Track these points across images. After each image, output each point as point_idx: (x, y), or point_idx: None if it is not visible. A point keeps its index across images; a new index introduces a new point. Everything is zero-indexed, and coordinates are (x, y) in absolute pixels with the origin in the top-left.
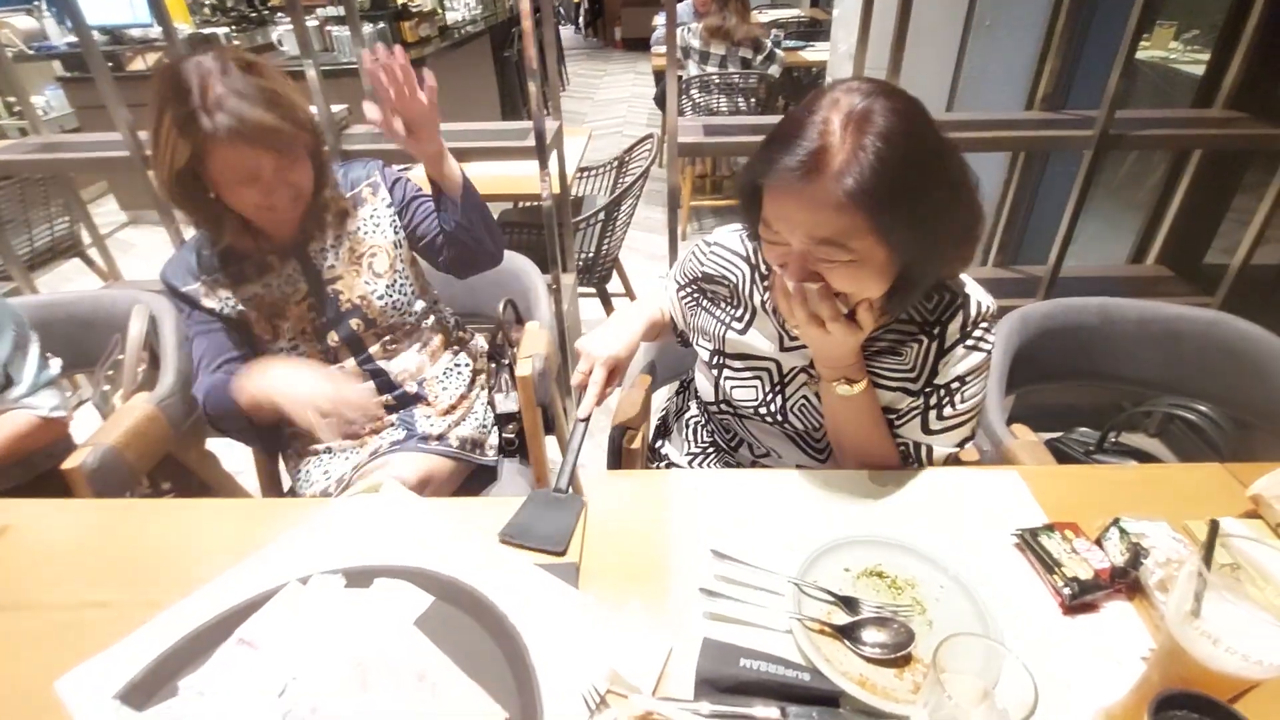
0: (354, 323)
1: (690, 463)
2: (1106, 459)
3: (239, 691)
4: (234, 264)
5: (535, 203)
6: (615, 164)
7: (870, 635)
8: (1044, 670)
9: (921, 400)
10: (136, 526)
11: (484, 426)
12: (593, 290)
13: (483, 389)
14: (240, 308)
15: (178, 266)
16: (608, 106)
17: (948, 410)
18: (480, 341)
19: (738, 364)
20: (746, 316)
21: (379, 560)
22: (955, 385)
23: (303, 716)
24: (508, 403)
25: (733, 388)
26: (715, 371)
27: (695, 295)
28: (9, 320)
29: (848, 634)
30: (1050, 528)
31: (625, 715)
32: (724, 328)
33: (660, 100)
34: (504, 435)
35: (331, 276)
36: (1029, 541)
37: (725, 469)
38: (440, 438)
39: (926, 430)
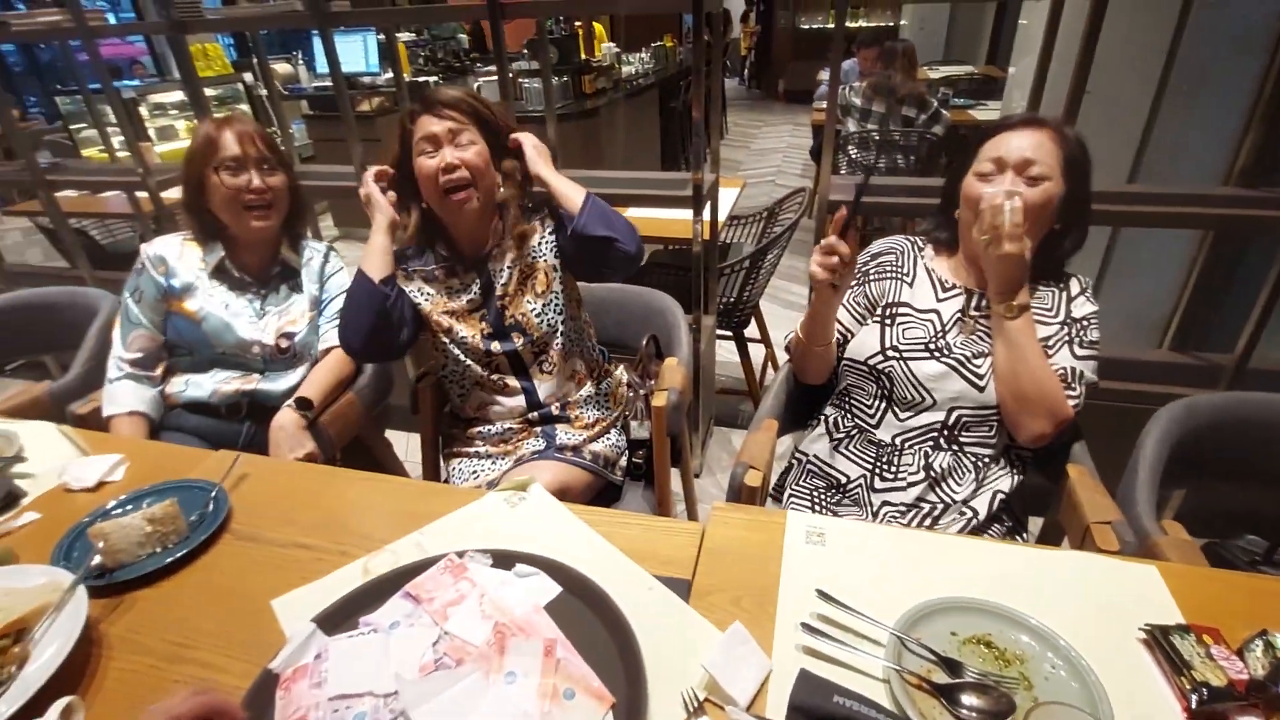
0: (516, 338)
1: (835, 448)
2: (1272, 572)
3: (403, 634)
4: (432, 266)
5: (685, 247)
6: (765, 214)
7: (969, 699)
8: None
9: (1065, 330)
10: (337, 490)
11: (617, 447)
12: (730, 334)
13: (620, 414)
14: (425, 301)
15: (401, 255)
16: (763, 156)
17: (1086, 338)
18: (622, 372)
19: (908, 311)
20: (912, 272)
21: (520, 548)
22: (1084, 323)
23: (450, 665)
24: (641, 430)
25: (905, 329)
26: (886, 322)
27: (861, 279)
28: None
29: (946, 694)
30: (1185, 628)
31: None
32: (897, 283)
33: (816, 154)
34: (633, 460)
35: (503, 293)
36: (1158, 639)
37: (864, 455)
38: (576, 450)
39: (1074, 355)
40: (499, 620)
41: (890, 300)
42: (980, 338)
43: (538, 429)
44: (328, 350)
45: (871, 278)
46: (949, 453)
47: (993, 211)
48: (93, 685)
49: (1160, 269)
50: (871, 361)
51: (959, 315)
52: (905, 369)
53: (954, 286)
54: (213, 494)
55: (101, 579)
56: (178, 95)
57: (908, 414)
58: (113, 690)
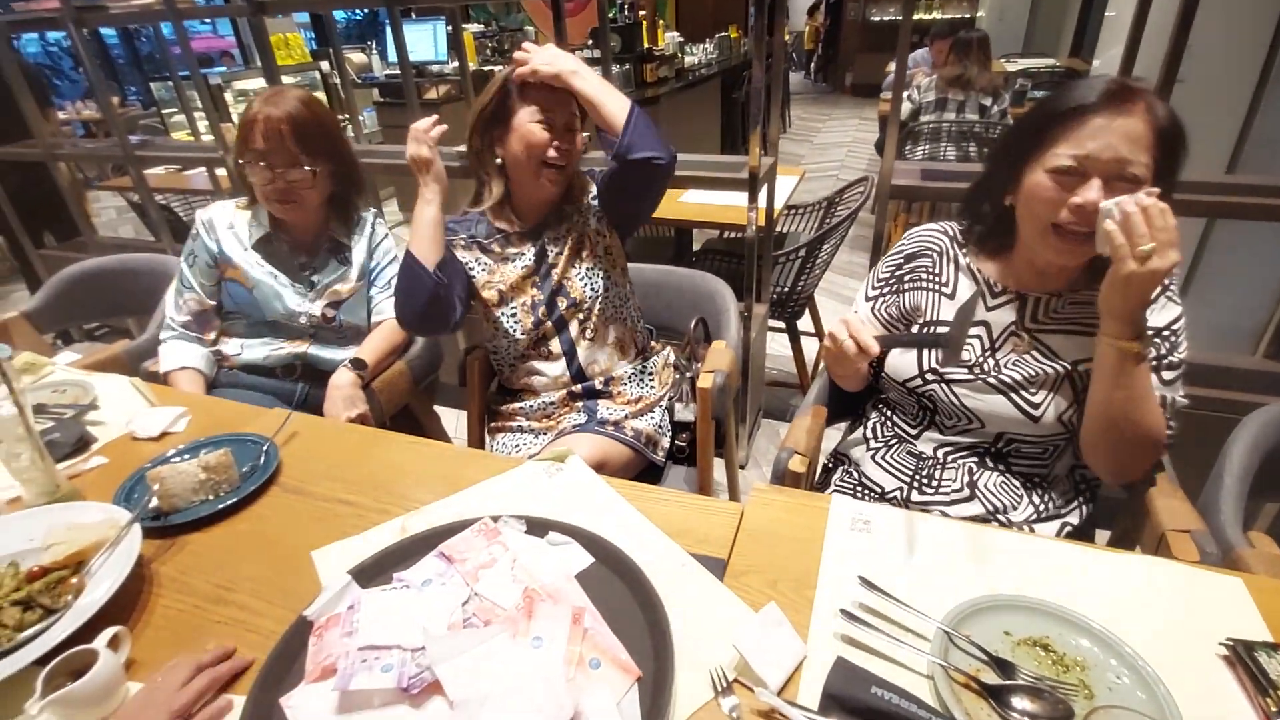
0: (561, 302)
1: (872, 456)
2: None
3: (434, 592)
4: (493, 235)
5: (740, 234)
6: (824, 204)
7: (1021, 703)
8: None
9: (1151, 350)
10: (382, 451)
11: (660, 428)
12: (783, 326)
13: (665, 396)
14: (481, 272)
15: (457, 223)
16: (826, 150)
17: (1175, 357)
18: (669, 353)
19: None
20: (953, 278)
21: (555, 517)
22: (1171, 335)
23: (478, 625)
24: (685, 413)
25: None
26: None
27: (895, 286)
28: (396, 249)
29: (996, 696)
30: (1274, 646)
31: (748, 707)
32: (934, 295)
33: (881, 146)
34: (676, 443)
35: (555, 261)
36: (1242, 655)
37: (902, 467)
38: (617, 425)
39: (1162, 380)
40: (529, 585)
41: (928, 318)
42: (1035, 358)
43: (579, 403)
44: (380, 320)
45: (906, 286)
46: (996, 471)
47: (1144, 215)
48: (140, 619)
49: (1257, 273)
50: (910, 384)
51: (1013, 329)
52: (948, 393)
53: (1004, 291)
54: (264, 448)
55: (157, 521)
56: (259, 82)
57: (951, 432)
58: (158, 626)
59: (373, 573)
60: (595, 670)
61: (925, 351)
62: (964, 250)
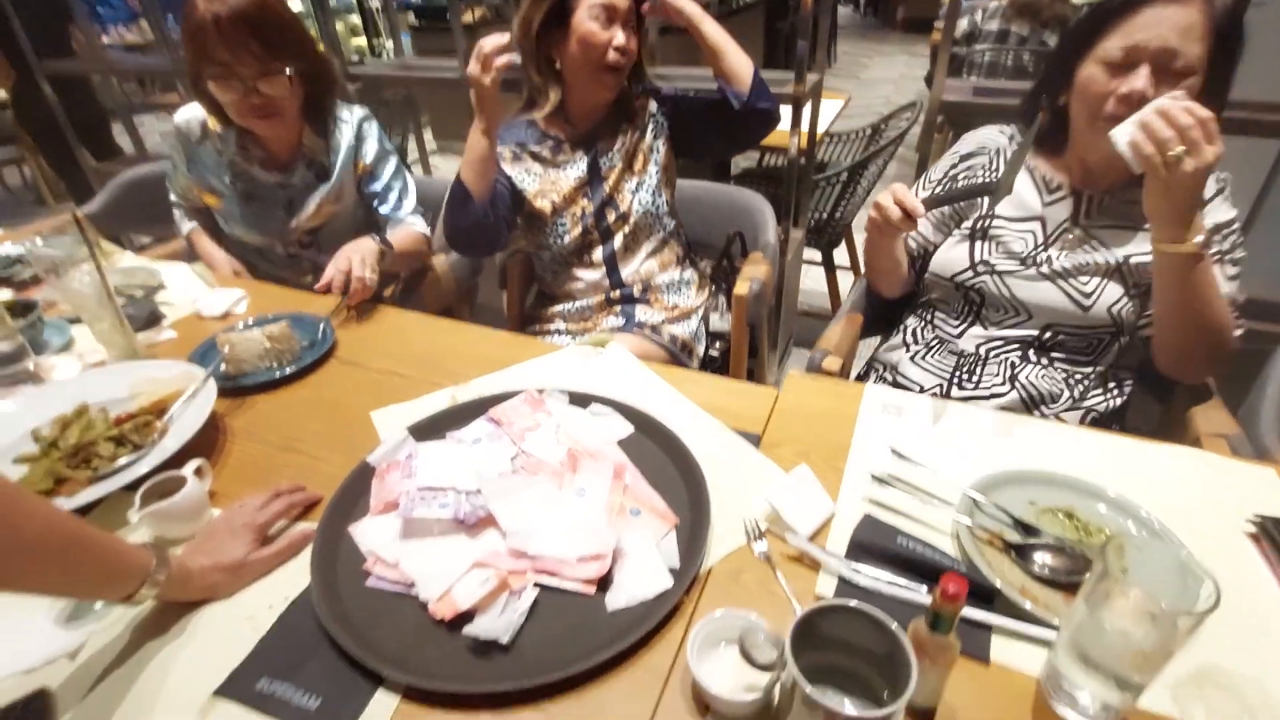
0: (610, 214)
1: (911, 358)
2: None
3: (485, 448)
4: (544, 141)
5: (779, 161)
6: (870, 130)
7: (1042, 558)
8: (1258, 657)
9: (1212, 246)
10: (430, 334)
11: (696, 335)
12: (818, 258)
13: (701, 306)
14: (533, 182)
15: (506, 130)
16: (872, 87)
17: (1235, 254)
18: (705, 266)
19: (1004, 223)
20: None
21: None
22: (1228, 233)
23: (524, 475)
24: (720, 323)
25: (998, 244)
26: (977, 237)
27: (949, 186)
28: (394, 156)
29: (1019, 552)
30: None
31: (778, 551)
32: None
33: (931, 79)
34: (710, 352)
35: (606, 174)
36: (1270, 530)
37: (942, 366)
38: (655, 329)
39: (1226, 276)
40: (572, 447)
41: (982, 213)
42: (1088, 250)
43: (617, 308)
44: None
45: (961, 184)
46: (1038, 365)
47: (1164, 119)
48: (218, 461)
49: None
50: (960, 278)
51: (1066, 225)
52: (999, 284)
53: (1060, 188)
54: (321, 325)
55: (228, 382)
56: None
57: (996, 326)
58: (234, 466)
59: (427, 431)
60: (635, 517)
61: (976, 243)
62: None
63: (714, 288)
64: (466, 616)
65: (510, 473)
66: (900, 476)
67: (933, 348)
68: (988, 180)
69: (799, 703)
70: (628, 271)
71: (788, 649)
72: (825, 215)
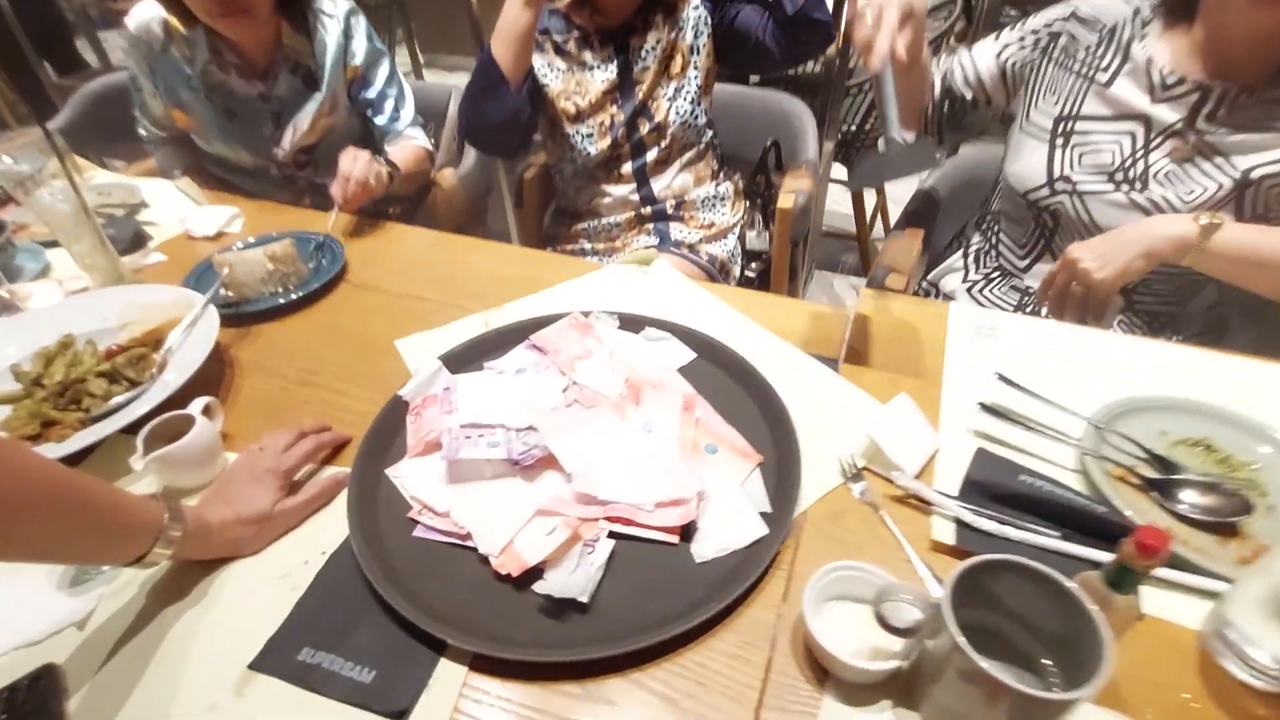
0: (642, 124)
1: (969, 290)
2: None
3: (530, 379)
4: (570, 32)
5: (814, 68)
6: None
7: (1190, 496)
8: None
9: None
10: (450, 254)
11: (733, 255)
12: (844, 177)
13: (737, 224)
14: (556, 80)
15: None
16: None
17: None
18: (739, 179)
19: (1094, 125)
20: (1115, 65)
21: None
22: None
23: (579, 409)
24: (758, 241)
25: (1085, 153)
26: (1059, 140)
27: (1043, 47)
28: (387, 58)
29: (1160, 489)
30: None
31: (879, 491)
32: (1085, 82)
33: None
34: (746, 273)
35: (640, 78)
36: None
37: (1002, 303)
38: (692, 248)
39: None
40: (629, 376)
41: (1069, 110)
42: (1197, 167)
43: (649, 225)
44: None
45: (1053, 56)
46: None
47: None
48: (229, 398)
49: None
50: (1033, 195)
51: (1178, 128)
52: (1079, 207)
53: (1179, 83)
54: (328, 243)
55: (229, 309)
56: None
57: None
58: (247, 404)
59: (463, 360)
60: (712, 455)
61: (1057, 150)
62: (1145, 30)
63: (749, 203)
64: (534, 572)
65: (564, 406)
66: (1009, 408)
67: (993, 280)
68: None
69: (952, 674)
70: (659, 186)
71: (947, 611)
72: (854, 127)
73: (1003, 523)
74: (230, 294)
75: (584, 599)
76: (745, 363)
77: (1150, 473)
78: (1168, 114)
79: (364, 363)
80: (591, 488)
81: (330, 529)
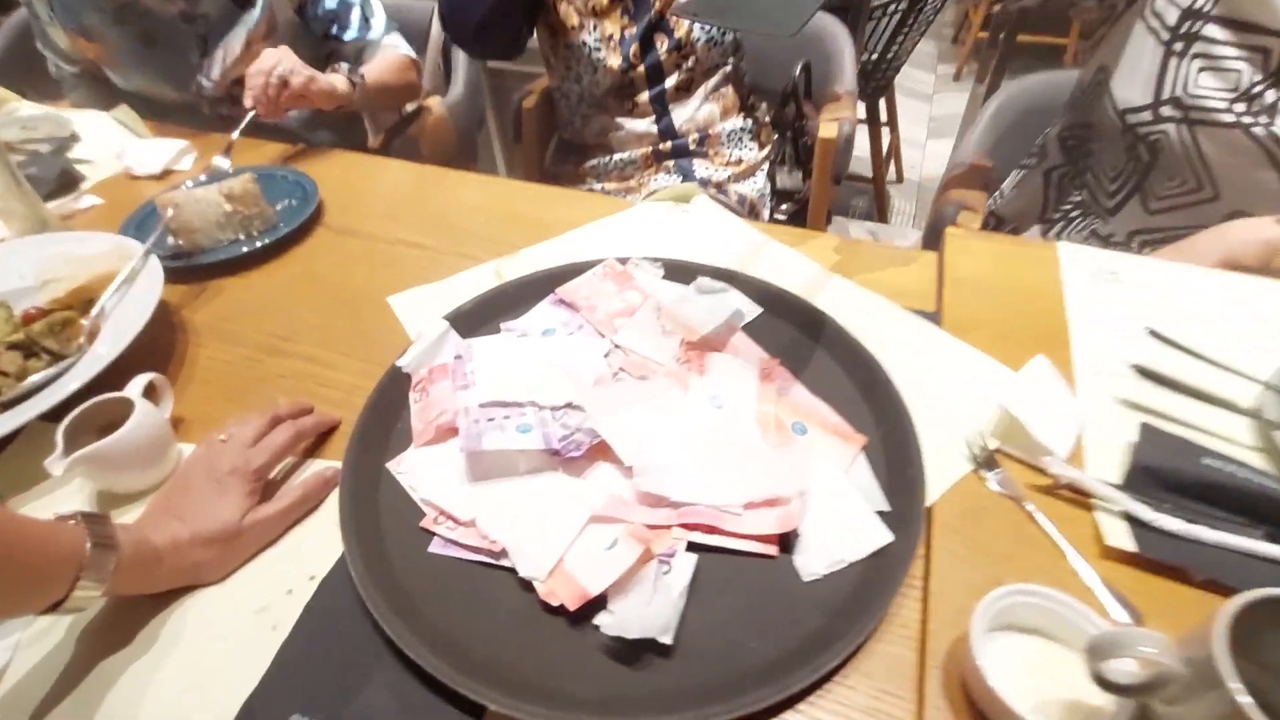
0: (660, 41)
1: (1044, 233)
2: None
3: (561, 343)
4: None
5: None
6: None
7: None
8: None
9: None
10: (445, 190)
11: (762, 195)
12: (861, 113)
13: (764, 160)
14: None
15: None
16: None
17: None
18: (763, 112)
19: (1220, 35)
20: None
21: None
22: None
23: (629, 380)
24: (789, 179)
25: (1201, 69)
26: (1175, 48)
27: None
28: None
29: None
30: None
31: (1021, 481)
32: None
33: None
34: (776, 216)
35: None
36: None
37: (1094, 238)
38: (720, 187)
39: None
40: (686, 337)
41: (1197, 5)
42: None
43: (669, 162)
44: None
45: None
46: None
47: None
48: (180, 373)
49: None
50: (1132, 119)
51: None
52: (1186, 139)
53: None
54: (298, 180)
55: (179, 261)
56: None
57: (1161, 206)
58: (204, 380)
59: (474, 320)
60: (801, 436)
61: (1175, 62)
62: None
63: (776, 137)
64: (594, 601)
65: (609, 377)
66: (1161, 370)
67: (1073, 220)
68: None
69: None
70: (681, 118)
71: (1227, 669)
72: (875, 56)
73: (1190, 520)
74: (179, 242)
75: (667, 639)
76: (828, 319)
77: None
78: None
79: (349, 325)
80: (660, 485)
81: (319, 546)
